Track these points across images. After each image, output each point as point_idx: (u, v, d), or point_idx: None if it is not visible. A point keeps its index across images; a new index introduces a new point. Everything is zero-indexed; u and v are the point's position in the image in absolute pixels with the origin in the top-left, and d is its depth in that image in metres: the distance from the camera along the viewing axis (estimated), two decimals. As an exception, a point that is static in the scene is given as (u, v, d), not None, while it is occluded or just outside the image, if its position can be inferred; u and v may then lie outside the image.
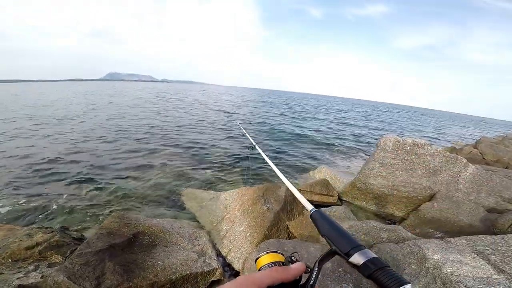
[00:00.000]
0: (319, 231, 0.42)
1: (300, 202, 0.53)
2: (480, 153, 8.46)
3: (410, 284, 0.33)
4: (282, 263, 0.54)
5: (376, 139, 13.19)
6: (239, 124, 5.34)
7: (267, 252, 0.56)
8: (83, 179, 5.24)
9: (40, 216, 3.85)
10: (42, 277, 2.37)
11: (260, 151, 1.17)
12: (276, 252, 0.56)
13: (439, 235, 2.97)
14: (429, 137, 17.42)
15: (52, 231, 3.11)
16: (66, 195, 4.51)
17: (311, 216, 0.46)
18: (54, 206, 4.10)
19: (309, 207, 0.48)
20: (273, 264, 0.54)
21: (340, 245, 0.39)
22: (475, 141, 13.09)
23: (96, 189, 4.81)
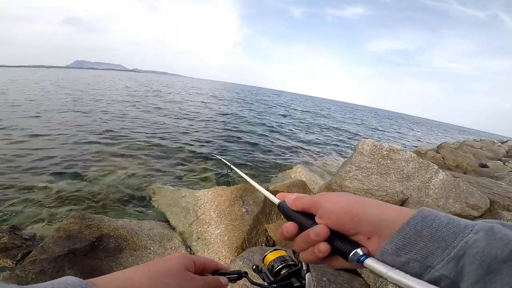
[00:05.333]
0: (286, 218, 0.47)
1: (268, 197, 0.57)
2: (442, 157, 9.04)
3: (360, 248, 0.36)
4: (284, 257, 0.63)
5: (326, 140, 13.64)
6: (215, 155, 5.10)
7: (273, 250, 0.65)
8: (38, 173, 4.69)
9: (-15, 214, 3.38)
10: (-13, 285, 2.04)
11: (237, 170, 1.17)
12: (280, 249, 0.66)
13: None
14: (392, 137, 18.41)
15: (-1, 232, 2.73)
16: (17, 191, 4.01)
17: (278, 207, 0.50)
18: (3, 204, 3.62)
19: (276, 200, 0.52)
20: (280, 259, 0.62)
21: (305, 223, 0.43)
22: (436, 146, 14.04)
23: (53, 185, 4.31)
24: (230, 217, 2.92)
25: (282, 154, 8.42)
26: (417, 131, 33.42)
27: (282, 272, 0.60)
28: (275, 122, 15.68)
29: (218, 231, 2.80)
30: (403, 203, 3.82)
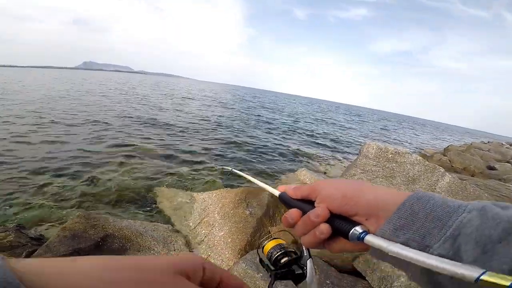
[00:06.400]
0: (288, 208, 0.47)
1: (269, 190, 0.57)
2: (449, 160, 8.92)
3: (359, 226, 0.37)
4: (282, 245, 0.63)
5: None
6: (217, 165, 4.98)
7: (272, 239, 0.65)
8: (45, 173, 4.76)
9: (-8, 213, 3.43)
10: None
11: (237, 171, 1.15)
12: (279, 238, 0.66)
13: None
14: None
15: (5, 230, 2.75)
16: (24, 190, 4.07)
17: (279, 198, 0.51)
18: (9, 202, 3.67)
19: (276, 192, 0.52)
20: (278, 247, 0.61)
21: (306, 209, 0.43)
22: (443, 148, 13.86)
23: (60, 184, 4.37)
24: (234, 219, 2.91)
25: (287, 158, 8.40)
26: (424, 134, 33.03)
27: (282, 260, 0.60)
28: (282, 126, 15.69)
29: (222, 233, 2.80)
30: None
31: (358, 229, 0.36)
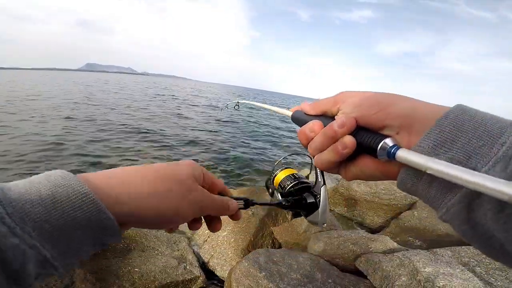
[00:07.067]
0: (300, 126, 0.42)
1: (280, 112, 0.55)
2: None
3: (389, 138, 0.31)
4: (295, 174, 0.57)
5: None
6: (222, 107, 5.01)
7: (284, 168, 0.59)
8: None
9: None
10: (-2, 284, 2.11)
11: (245, 101, 1.06)
12: (291, 168, 0.61)
13: (418, 243, 3.04)
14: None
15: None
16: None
17: (292, 118, 0.47)
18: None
19: (289, 112, 0.48)
20: (291, 177, 0.57)
21: (326, 120, 0.38)
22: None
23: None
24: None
25: (289, 156, 8.45)
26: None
27: (293, 187, 0.54)
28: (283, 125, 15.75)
29: (225, 233, 2.84)
30: (411, 206, 3.80)
31: (388, 142, 0.30)
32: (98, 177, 0.33)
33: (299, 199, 0.51)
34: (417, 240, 3.08)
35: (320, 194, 0.48)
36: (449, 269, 1.71)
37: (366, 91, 0.36)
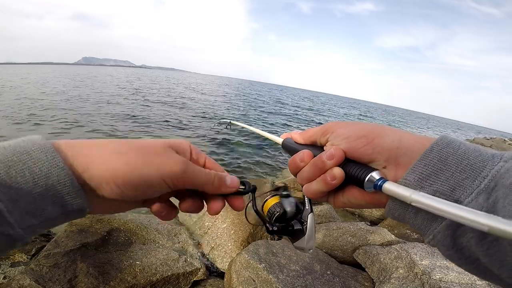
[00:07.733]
0: (290, 154, 0.44)
1: (271, 139, 0.56)
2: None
3: (376, 171, 0.31)
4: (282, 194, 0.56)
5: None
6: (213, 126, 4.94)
7: (273, 195, 0.57)
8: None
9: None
10: (4, 277, 2.15)
11: (238, 123, 1.04)
12: (276, 194, 0.59)
13: (416, 236, 3.08)
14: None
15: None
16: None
17: (283, 145, 0.49)
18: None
19: (279, 139, 0.49)
20: (278, 204, 0.54)
21: (316, 152, 0.38)
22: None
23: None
24: (236, 211, 2.97)
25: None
26: (428, 129, 33.02)
27: (279, 215, 0.53)
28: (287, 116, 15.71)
29: (225, 225, 2.87)
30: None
31: (375, 175, 0.31)
32: (64, 140, 0.31)
33: (286, 226, 0.52)
34: (414, 233, 3.12)
35: (307, 221, 0.49)
36: (445, 262, 1.74)
37: (354, 122, 0.37)
